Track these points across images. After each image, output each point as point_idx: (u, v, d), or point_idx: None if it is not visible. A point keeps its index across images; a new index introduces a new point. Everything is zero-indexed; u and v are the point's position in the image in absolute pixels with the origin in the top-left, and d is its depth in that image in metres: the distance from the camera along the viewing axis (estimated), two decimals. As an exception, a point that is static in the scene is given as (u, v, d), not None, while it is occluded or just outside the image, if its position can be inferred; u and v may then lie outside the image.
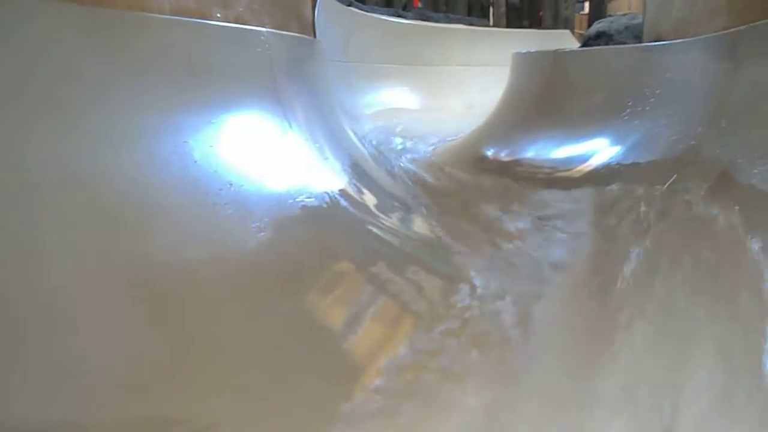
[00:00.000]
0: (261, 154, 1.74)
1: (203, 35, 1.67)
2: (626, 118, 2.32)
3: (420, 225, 2.26)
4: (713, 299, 1.24)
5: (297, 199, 1.72)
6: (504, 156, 3.01)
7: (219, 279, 1.32)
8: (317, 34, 2.78)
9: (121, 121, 1.33)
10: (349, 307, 1.51)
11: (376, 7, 6.51)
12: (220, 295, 1.31)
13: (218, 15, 1.82)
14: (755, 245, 1.21)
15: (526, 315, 1.59)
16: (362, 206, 2.04)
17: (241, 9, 1.95)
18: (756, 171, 1.31)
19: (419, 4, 7.66)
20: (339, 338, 1.43)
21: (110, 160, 1.29)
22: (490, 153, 3.16)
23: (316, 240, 1.69)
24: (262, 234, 1.51)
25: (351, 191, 2.04)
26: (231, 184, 1.54)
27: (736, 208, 1.38)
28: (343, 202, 1.91)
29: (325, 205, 1.82)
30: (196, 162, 1.48)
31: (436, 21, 6.87)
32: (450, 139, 4.17)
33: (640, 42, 3.06)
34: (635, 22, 3.32)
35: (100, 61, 1.31)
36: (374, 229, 1.94)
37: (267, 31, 1.97)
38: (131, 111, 1.35)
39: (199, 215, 1.40)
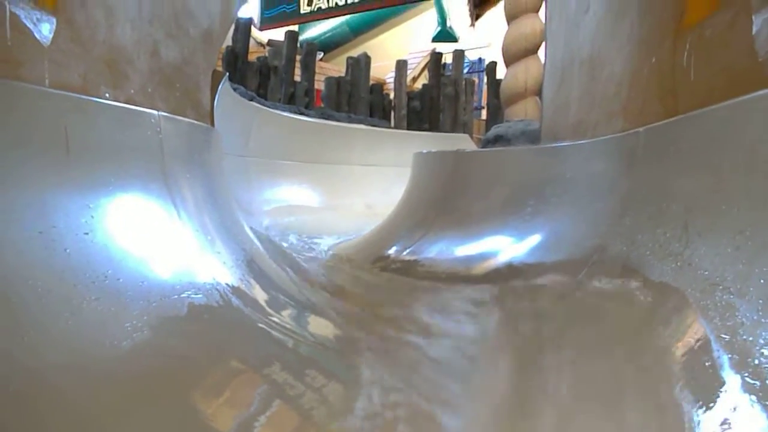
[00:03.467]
0: (144, 244, 1.57)
1: (85, 112, 1.52)
2: (528, 217, 2.32)
3: (318, 326, 2.12)
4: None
5: (182, 295, 1.55)
6: (405, 255, 2.94)
7: (80, 387, 1.13)
8: (216, 125, 2.68)
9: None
10: (239, 418, 1.34)
11: (278, 104, 6.53)
12: (79, 406, 1.11)
13: (107, 95, 1.69)
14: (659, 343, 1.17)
15: (430, 421, 1.47)
16: (256, 304, 1.89)
17: (132, 91, 1.83)
18: (667, 268, 1.29)
19: (321, 103, 7.76)
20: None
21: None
22: (391, 252, 3.09)
23: (202, 342, 1.52)
24: (138, 334, 1.32)
25: (244, 288, 1.88)
26: (106, 277, 1.37)
27: (643, 301, 1.35)
28: (235, 300, 1.75)
29: (214, 303, 1.65)
30: (65, 250, 1.30)
31: (338, 120, 6.95)
32: (350, 238, 4.10)
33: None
34: (531, 128, 3.42)
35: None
36: (269, 330, 1.78)
37: (159, 114, 1.84)
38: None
39: (63, 311, 1.21)
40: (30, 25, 1.38)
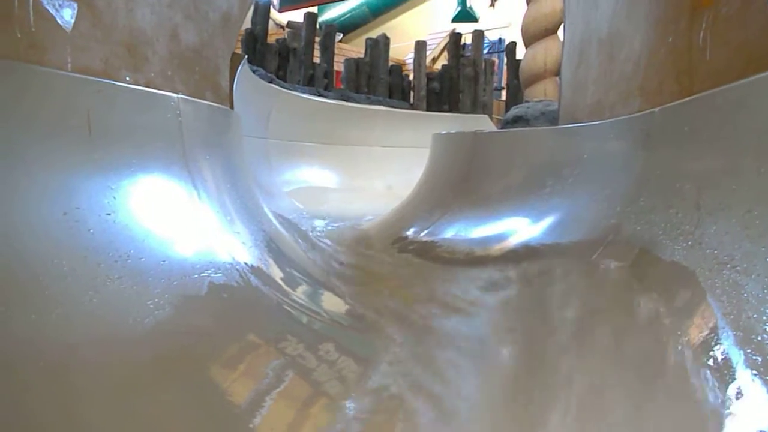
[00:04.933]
0: (165, 224, 1.61)
1: (106, 96, 1.55)
2: (546, 198, 2.32)
3: (334, 304, 2.15)
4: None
5: (202, 274, 1.59)
6: (423, 236, 2.96)
7: (103, 363, 1.17)
8: (235, 108, 2.71)
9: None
10: (256, 392, 1.37)
11: (297, 86, 6.55)
12: (103, 382, 1.15)
13: (127, 78, 1.72)
14: (669, 325, 1.18)
15: (442, 399, 1.50)
16: (274, 283, 1.92)
17: (152, 74, 1.86)
18: (678, 248, 1.30)
19: (341, 85, 7.76)
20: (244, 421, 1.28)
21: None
22: (409, 233, 3.11)
23: (222, 319, 1.56)
24: (160, 312, 1.36)
25: (262, 267, 1.92)
26: (128, 256, 1.40)
27: (653, 282, 1.36)
28: (254, 280, 1.78)
29: (234, 283, 1.69)
30: (89, 230, 1.34)
31: (358, 102, 6.95)
32: (369, 218, 4.12)
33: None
34: (550, 108, 3.42)
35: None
36: (287, 308, 1.82)
37: (178, 97, 1.87)
38: (9, 169, 1.21)
39: (87, 289, 1.25)
40: (52, 11, 1.41)
